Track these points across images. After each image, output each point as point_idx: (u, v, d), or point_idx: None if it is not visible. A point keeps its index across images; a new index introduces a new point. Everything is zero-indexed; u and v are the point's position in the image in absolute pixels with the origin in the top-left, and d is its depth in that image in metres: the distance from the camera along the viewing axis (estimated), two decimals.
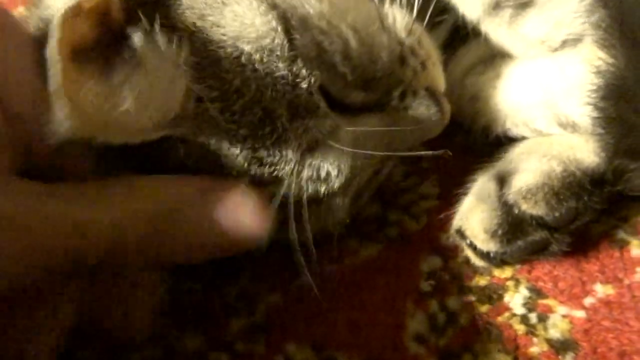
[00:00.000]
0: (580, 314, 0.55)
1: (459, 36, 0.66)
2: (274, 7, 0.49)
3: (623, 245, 0.59)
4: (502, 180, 0.57)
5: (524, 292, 0.57)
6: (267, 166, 0.49)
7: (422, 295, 0.58)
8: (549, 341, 0.54)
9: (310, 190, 0.51)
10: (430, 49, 0.58)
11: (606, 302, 0.55)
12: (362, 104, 0.53)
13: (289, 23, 0.48)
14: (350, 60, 0.50)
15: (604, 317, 0.54)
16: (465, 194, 0.61)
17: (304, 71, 0.48)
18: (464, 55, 0.66)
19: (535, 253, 0.56)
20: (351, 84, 0.51)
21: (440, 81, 0.58)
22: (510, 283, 0.58)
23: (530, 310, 0.56)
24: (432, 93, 0.56)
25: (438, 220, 0.64)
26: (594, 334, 0.53)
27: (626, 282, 0.57)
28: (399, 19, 0.56)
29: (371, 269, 0.60)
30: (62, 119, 0.39)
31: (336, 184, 0.52)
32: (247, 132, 0.48)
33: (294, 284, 0.57)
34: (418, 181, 0.69)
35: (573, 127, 0.59)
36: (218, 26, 0.48)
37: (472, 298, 0.57)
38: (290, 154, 0.49)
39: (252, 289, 0.60)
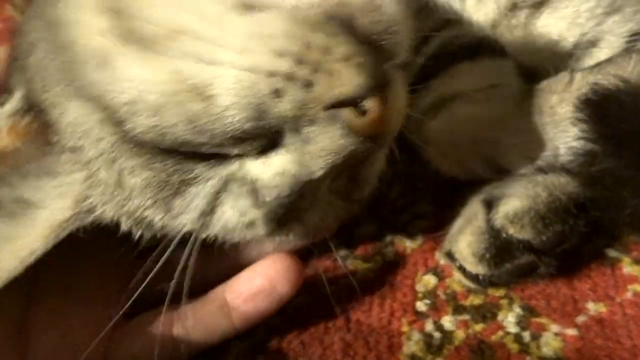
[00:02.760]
0: (572, 332, 0.56)
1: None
2: (98, 106, 0.47)
3: (614, 263, 0.60)
4: (490, 204, 0.58)
5: (517, 310, 0.58)
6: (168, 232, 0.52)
7: (417, 315, 0.59)
8: (541, 359, 0.54)
9: (236, 238, 0.53)
10: (327, 46, 0.44)
11: (598, 320, 0.56)
12: (257, 148, 0.47)
13: (115, 117, 0.46)
14: (202, 129, 0.45)
15: (596, 335, 0.55)
16: (455, 212, 0.62)
17: (149, 160, 0.48)
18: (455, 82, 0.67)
19: (524, 275, 0.57)
20: (223, 145, 0.46)
21: (349, 88, 0.43)
22: (504, 301, 0.59)
23: (523, 328, 0.57)
24: (336, 114, 0.44)
25: (433, 240, 0.66)
26: (586, 352, 0.54)
27: (618, 300, 0.57)
28: (259, 41, 0.44)
29: (367, 289, 0.62)
30: None
31: (259, 231, 0.51)
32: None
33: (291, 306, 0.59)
34: (413, 200, 0.70)
35: None
36: (73, 133, 0.50)
37: (467, 317, 0.58)
38: (183, 221, 0.50)
39: None
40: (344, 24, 0.44)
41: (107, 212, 0.51)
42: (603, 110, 0.54)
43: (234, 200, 0.49)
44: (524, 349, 0.55)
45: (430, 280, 0.62)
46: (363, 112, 0.43)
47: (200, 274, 0.57)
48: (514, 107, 0.61)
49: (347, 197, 0.55)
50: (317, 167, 0.46)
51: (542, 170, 0.58)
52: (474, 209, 0.60)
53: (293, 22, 0.44)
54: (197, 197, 0.49)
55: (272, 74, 0.43)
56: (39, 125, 0.51)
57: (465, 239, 0.58)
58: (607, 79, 0.55)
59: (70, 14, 0.48)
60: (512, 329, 0.57)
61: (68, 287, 0.55)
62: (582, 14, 0.57)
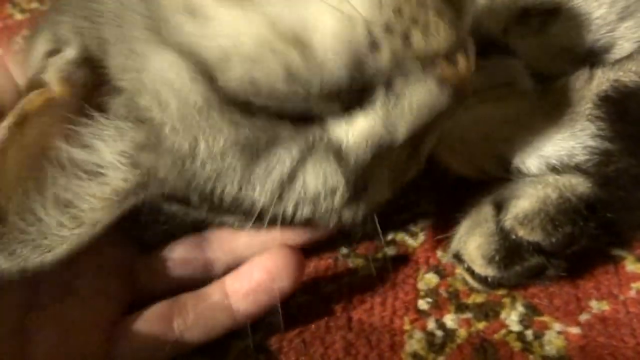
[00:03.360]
0: (575, 330, 0.55)
1: None
2: (184, 54, 0.44)
3: (618, 261, 0.60)
4: (499, 206, 0.58)
5: (520, 308, 0.58)
6: (240, 204, 0.48)
7: (419, 313, 0.59)
8: (544, 358, 0.54)
9: (306, 212, 0.49)
10: (419, 7, 0.44)
11: (601, 319, 0.56)
12: (345, 107, 0.46)
13: (206, 66, 0.43)
14: (299, 81, 0.43)
15: (599, 333, 0.55)
16: (462, 213, 0.62)
17: (237, 116, 0.44)
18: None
19: (532, 277, 0.57)
20: (315, 100, 0.45)
21: (441, 41, 0.44)
22: (506, 300, 0.59)
23: (526, 327, 0.56)
24: (430, 67, 0.44)
25: (435, 238, 0.66)
26: (589, 351, 0.54)
27: (621, 298, 0.57)
28: None
29: (368, 288, 0.61)
30: None
31: (335, 201, 0.49)
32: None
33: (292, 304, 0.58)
34: (415, 198, 0.70)
35: None
36: (147, 91, 0.45)
37: (469, 315, 0.58)
38: (259, 189, 0.47)
39: None
40: None
41: (176, 185, 0.48)
42: (623, 108, 0.53)
43: (319, 164, 0.47)
44: (527, 347, 0.55)
45: (432, 278, 0.62)
46: (454, 66, 0.44)
47: (202, 266, 0.58)
48: (528, 106, 0.60)
49: (400, 175, 0.54)
50: (404, 126, 0.45)
51: (555, 170, 0.58)
52: (483, 210, 0.59)
53: None
54: (281, 160, 0.46)
55: (370, 24, 0.43)
56: (96, 81, 0.47)
57: (474, 241, 0.57)
58: (628, 77, 0.54)
59: None
60: (515, 327, 0.56)
61: (67, 285, 0.54)
62: (594, 21, 0.57)
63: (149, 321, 0.55)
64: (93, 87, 0.47)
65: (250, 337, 0.57)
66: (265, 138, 0.45)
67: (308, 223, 0.51)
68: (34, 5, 1.20)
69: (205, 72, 0.43)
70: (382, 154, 0.47)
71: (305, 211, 0.49)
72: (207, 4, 0.43)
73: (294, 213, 0.49)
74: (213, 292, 0.56)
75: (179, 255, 0.58)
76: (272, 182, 0.47)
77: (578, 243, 0.55)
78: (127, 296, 0.57)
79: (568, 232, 0.54)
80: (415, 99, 0.45)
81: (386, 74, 0.44)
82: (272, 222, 0.50)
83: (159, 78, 0.45)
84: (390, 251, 0.65)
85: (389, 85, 0.45)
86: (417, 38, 0.44)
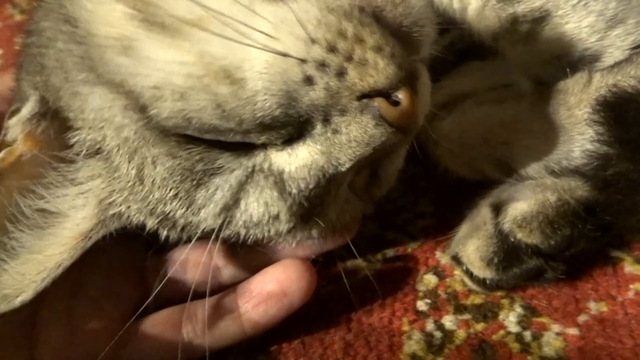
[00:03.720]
0: (574, 331, 0.55)
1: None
2: (119, 92, 0.46)
3: (616, 262, 0.60)
4: (498, 208, 0.58)
5: (518, 310, 0.58)
6: (191, 228, 0.51)
7: (418, 314, 0.59)
8: (543, 359, 0.54)
9: (258, 235, 0.52)
10: (360, 36, 0.44)
11: (600, 320, 0.56)
12: (284, 137, 0.47)
13: (139, 102, 0.45)
14: (230, 114, 0.44)
15: (598, 334, 0.55)
16: (461, 215, 0.62)
17: (173, 147, 0.47)
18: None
19: (531, 280, 0.57)
20: (250, 132, 0.45)
21: (380, 78, 0.43)
22: (505, 301, 0.59)
23: (524, 328, 0.57)
24: (368, 104, 0.44)
25: (434, 239, 0.66)
26: (587, 352, 0.54)
27: (619, 299, 0.57)
28: (289, 28, 0.44)
29: (367, 289, 0.61)
30: None
31: (281, 226, 0.50)
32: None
33: None
34: (414, 199, 0.70)
35: None
36: (92, 128, 0.49)
37: (468, 316, 0.58)
38: (204, 214, 0.49)
39: None
40: (374, 15, 0.45)
41: (131, 214, 0.51)
42: (621, 113, 0.53)
43: (260, 192, 0.48)
44: (525, 348, 0.55)
45: (431, 279, 0.62)
46: (395, 103, 0.44)
47: (212, 276, 0.58)
48: (527, 108, 0.60)
49: (366, 194, 0.55)
50: (346, 158, 0.46)
51: (553, 173, 0.58)
52: (481, 212, 0.59)
53: (326, 10, 0.44)
54: (220, 188, 0.48)
55: (304, 61, 0.43)
56: (56, 128, 0.50)
57: (472, 243, 0.58)
58: (626, 81, 0.54)
59: (89, 6, 0.48)
60: (514, 328, 0.57)
61: (77, 286, 0.55)
62: (583, 29, 0.57)
63: (159, 326, 0.56)
64: (56, 131, 0.50)
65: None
66: (203, 167, 0.47)
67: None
68: (34, 5, 1.20)
69: (138, 106, 0.46)
70: (328, 182, 0.48)
71: (256, 234, 0.51)
72: (141, 42, 0.45)
73: (246, 235, 0.52)
74: (224, 302, 0.57)
75: (188, 259, 0.58)
76: (215, 208, 0.49)
77: (576, 246, 0.55)
78: (137, 298, 0.57)
79: (567, 234, 0.55)
80: (352, 134, 0.45)
81: (322, 109, 0.45)
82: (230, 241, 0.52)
83: (98, 115, 0.48)
84: (389, 252, 0.66)
85: (326, 120, 0.45)
86: (352, 75, 0.43)
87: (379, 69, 0.43)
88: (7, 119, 0.50)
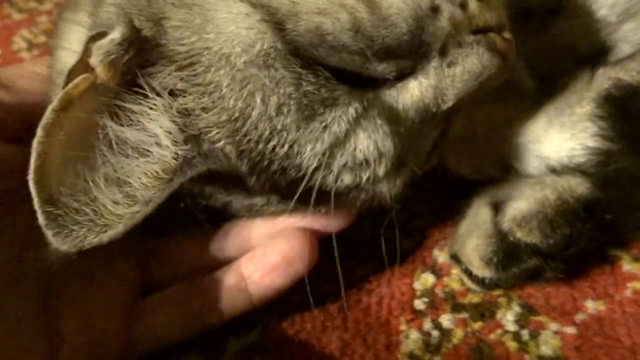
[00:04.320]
0: (571, 330, 0.55)
1: None
2: (254, 5, 0.44)
3: (614, 261, 0.60)
4: (497, 207, 0.58)
5: (515, 308, 0.58)
6: (287, 170, 0.48)
7: (415, 313, 0.59)
8: (540, 358, 0.54)
9: (347, 181, 0.49)
10: None
11: (597, 319, 0.56)
12: (398, 72, 0.47)
13: (276, 16, 0.44)
14: (363, 34, 0.45)
15: (595, 333, 0.55)
16: (459, 213, 0.62)
17: (300, 70, 0.45)
18: None
19: (530, 279, 0.57)
20: (374, 58, 0.46)
21: (492, 16, 0.49)
22: (502, 300, 0.59)
23: (522, 327, 0.56)
24: (482, 37, 0.48)
25: (432, 238, 0.66)
26: (585, 351, 0.54)
27: (617, 297, 0.57)
28: None
29: (365, 288, 0.61)
30: None
31: (380, 169, 0.49)
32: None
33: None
34: (411, 197, 0.70)
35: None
36: (207, 49, 0.45)
37: (465, 315, 0.58)
38: (309, 152, 0.46)
39: None
40: None
41: (227, 151, 0.47)
42: (625, 107, 0.53)
43: (371, 129, 0.47)
44: (523, 347, 0.55)
45: (428, 278, 0.62)
46: (503, 39, 0.49)
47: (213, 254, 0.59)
48: (529, 106, 0.60)
49: (427, 159, 0.55)
50: (452, 94, 0.48)
51: (554, 171, 0.58)
52: (480, 211, 0.59)
53: None
54: (336, 121, 0.46)
55: None
56: (146, 58, 0.46)
57: (471, 242, 0.57)
58: (630, 76, 0.54)
59: None
60: (511, 327, 0.56)
61: (82, 269, 0.54)
62: (595, 22, 0.57)
63: (169, 301, 0.57)
64: (141, 66, 0.46)
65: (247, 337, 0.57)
66: (323, 95, 0.45)
67: (339, 202, 0.51)
68: (32, 4, 1.20)
69: (275, 21, 0.44)
70: (426, 121, 0.49)
71: (346, 180, 0.49)
72: None
73: (335, 181, 0.49)
74: (230, 275, 0.57)
75: (191, 245, 0.59)
76: (323, 144, 0.47)
77: (576, 245, 0.55)
78: (140, 279, 0.58)
79: (566, 234, 0.54)
80: (467, 66, 0.48)
81: (442, 40, 0.47)
82: (307, 196, 0.49)
83: (225, 30, 0.45)
84: (387, 251, 0.65)
85: (443, 52, 0.48)
86: (472, 7, 0.48)
87: (493, 7, 0.49)
88: (88, 42, 0.45)
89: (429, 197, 0.69)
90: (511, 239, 0.55)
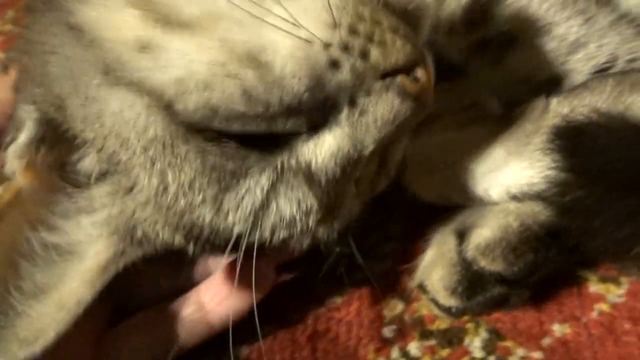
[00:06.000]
0: (538, 355, 0.56)
1: None
2: (140, 92, 0.44)
3: (581, 282, 0.60)
4: (462, 235, 0.58)
5: (483, 334, 0.58)
6: (218, 234, 0.48)
7: (384, 342, 0.59)
8: None
9: (282, 235, 0.49)
10: (376, 18, 0.46)
11: (563, 342, 0.56)
12: (309, 124, 0.46)
13: (163, 100, 0.43)
14: (256, 99, 0.43)
15: (561, 357, 0.55)
16: (427, 240, 0.62)
17: (203, 144, 0.44)
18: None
19: (496, 306, 0.58)
20: (276, 118, 0.45)
21: (399, 56, 0.46)
22: (470, 325, 0.59)
23: (489, 352, 0.57)
24: (390, 82, 0.46)
25: (402, 262, 0.66)
26: None
27: (583, 320, 0.57)
28: (311, 14, 0.45)
29: (334, 316, 0.61)
30: None
31: (310, 222, 0.48)
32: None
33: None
34: (383, 220, 0.70)
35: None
36: (110, 135, 0.45)
37: (433, 342, 0.58)
38: (233, 218, 0.47)
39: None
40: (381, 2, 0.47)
41: (156, 233, 0.48)
42: (576, 142, 0.54)
43: (291, 190, 0.47)
44: None
45: (397, 304, 0.62)
46: (415, 79, 0.46)
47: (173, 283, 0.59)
48: (489, 134, 0.60)
49: (371, 187, 0.54)
50: (370, 140, 0.47)
51: (516, 198, 0.58)
52: (445, 239, 0.60)
53: None
54: (251, 190, 0.46)
55: (329, 45, 0.44)
56: (61, 151, 0.47)
57: (437, 272, 0.58)
58: (580, 111, 0.55)
59: (94, 14, 0.45)
60: (478, 353, 0.57)
61: None
62: (547, 54, 0.57)
63: (136, 328, 0.57)
64: (60, 156, 0.47)
65: None
66: (232, 168, 0.45)
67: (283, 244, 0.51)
68: (8, 27, 1.19)
69: (163, 103, 0.43)
70: (351, 168, 0.48)
71: (282, 234, 0.49)
72: (158, 37, 0.44)
73: (272, 237, 0.49)
74: (190, 302, 0.58)
75: (156, 274, 0.59)
76: (245, 211, 0.46)
77: (540, 271, 0.56)
78: (108, 311, 0.58)
79: (530, 260, 0.55)
80: (379, 113, 0.46)
81: (349, 91, 0.45)
82: (250, 247, 0.49)
83: (118, 119, 0.45)
84: (357, 277, 0.65)
85: (352, 101, 0.46)
86: (375, 54, 0.45)
87: (398, 48, 0.46)
88: (3, 150, 0.46)
89: (400, 219, 0.70)
90: (475, 267, 0.56)
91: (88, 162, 0.47)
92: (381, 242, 0.68)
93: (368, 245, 0.68)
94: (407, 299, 0.62)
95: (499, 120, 0.60)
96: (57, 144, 0.46)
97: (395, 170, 0.57)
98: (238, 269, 0.49)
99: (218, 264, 0.59)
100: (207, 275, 0.59)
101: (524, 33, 0.58)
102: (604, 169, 0.51)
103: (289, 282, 0.66)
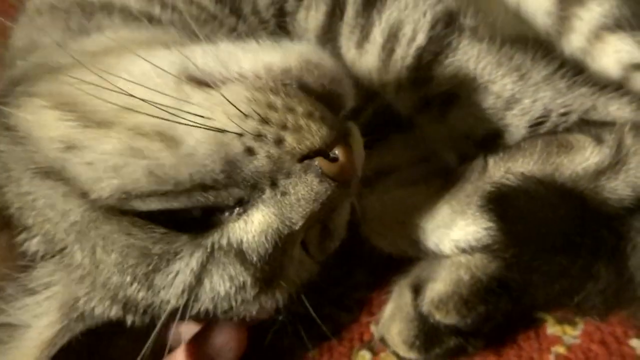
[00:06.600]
0: None
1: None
2: (57, 179, 0.48)
3: (539, 324, 0.62)
4: (417, 289, 0.60)
5: None
6: (155, 308, 0.50)
7: None
8: None
9: (225, 306, 0.51)
10: (289, 106, 0.48)
11: None
12: (235, 200, 0.48)
13: (77, 187, 0.47)
14: (163, 176, 0.45)
15: None
16: (388, 292, 0.65)
17: (128, 226, 0.47)
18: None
19: (454, 356, 0.59)
20: (192, 192, 0.46)
21: (316, 138, 0.47)
22: None
23: None
24: (309, 164, 0.47)
25: (369, 311, 0.68)
26: None
27: None
28: (223, 106, 0.47)
29: None
30: None
31: (248, 294, 0.50)
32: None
33: None
34: (349, 270, 0.72)
35: None
36: (41, 220, 0.49)
37: None
38: (167, 295, 0.49)
39: None
40: (299, 85, 0.49)
41: (95, 307, 0.51)
42: (504, 208, 0.56)
43: (223, 269, 0.49)
44: None
45: (365, 356, 0.64)
46: (333, 159, 0.48)
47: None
48: (435, 193, 0.63)
49: (319, 250, 0.57)
50: (298, 217, 0.48)
51: (465, 251, 0.60)
52: (402, 293, 0.62)
53: (253, 89, 0.48)
54: (181, 272, 0.48)
55: (241, 135, 0.46)
56: (5, 236, 0.51)
57: (395, 327, 0.60)
58: (513, 173, 0.57)
59: (28, 117, 0.50)
60: None
61: None
62: (485, 110, 0.60)
63: None
64: (6, 241, 0.50)
65: None
66: (160, 251, 0.47)
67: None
68: None
69: (78, 190, 0.47)
70: (284, 243, 0.49)
71: (224, 306, 0.51)
72: (78, 135, 0.47)
73: (214, 308, 0.51)
74: None
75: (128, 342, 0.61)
76: (177, 289, 0.49)
77: (493, 321, 0.58)
78: None
79: (482, 311, 0.57)
80: (300, 194, 0.48)
81: (268, 174, 0.47)
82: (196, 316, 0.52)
83: (46, 206, 0.49)
84: (327, 328, 0.67)
85: (273, 183, 0.48)
86: (289, 141, 0.47)
87: (313, 132, 0.47)
88: None
89: (367, 268, 0.72)
90: (431, 320, 0.58)
91: (33, 244, 0.50)
92: (348, 292, 0.70)
93: (335, 294, 0.70)
94: (374, 350, 0.64)
95: (445, 177, 0.62)
96: (2, 229, 0.50)
97: (344, 231, 0.59)
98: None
99: (188, 329, 0.61)
100: (177, 341, 0.61)
101: (464, 91, 0.60)
102: (529, 233, 0.53)
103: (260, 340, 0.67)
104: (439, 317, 0.58)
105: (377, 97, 0.68)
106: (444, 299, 0.58)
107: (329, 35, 0.66)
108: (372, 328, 0.66)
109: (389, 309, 0.63)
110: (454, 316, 0.57)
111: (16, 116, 0.50)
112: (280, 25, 0.68)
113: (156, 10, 0.62)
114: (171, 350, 0.60)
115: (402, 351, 0.60)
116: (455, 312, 0.57)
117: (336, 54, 0.65)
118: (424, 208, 0.62)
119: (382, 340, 0.62)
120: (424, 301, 0.59)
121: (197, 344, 0.59)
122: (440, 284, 0.59)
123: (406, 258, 0.66)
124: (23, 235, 0.50)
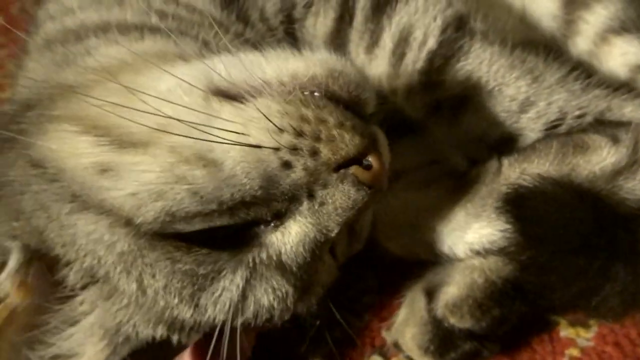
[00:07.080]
0: None
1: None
2: (100, 213, 0.47)
3: (552, 327, 0.62)
4: (431, 293, 0.60)
5: None
6: (202, 325, 0.50)
7: None
8: None
9: (265, 316, 0.51)
10: (321, 117, 0.48)
11: None
12: (272, 213, 0.49)
13: (122, 216, 0.46)
14: (208, 198, 0.46)
15: None
16: (401, 297, 0.64)
17: (172, 250, 0.47)
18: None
19: None
20: (234, 210, 0.47)
21: (350, 147, 0.48)
22: None
23: None
24: (344, 174, 0.48)
25: (380, 316, 0.67)
26: None
27: None
28: (257, 122, 0.47)
29: None
30: None
31: (288, 303, 0.51)
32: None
33: None
34: (360, 275, 0.71)
35: None
36: (86, 253, 0.49)
37: None
38: (213, 312, 0.49)
39: None
40: (326, 94, 0.49)
41: (140, 330, 0.51)
42: (521, 210, 0.56)
43: (266, 282, 0.49)
44: None
45: None
46: (367, 167, 0.49)
47: None
48: (449, 195, 0.62)
49: (346, 251, 0.58)
50: (334, 225, 0.49)
51: (479, 254, 0.60)
52: (416, 297, 0.62)
53: (284, 103, 0.48)
54: (227, 290, 0.49)
55: (277, 149, 0.47)
56: (46, 269, 0.50)
57: (409, 331, 0.60)
58: (528, 174, 0.57)
59: (54, 146, 0.49)
60: None
61: None
62: (499, 113, 0.60)
63: None
64: (49, 274, 0.50)
65: None
66: (205, 272, 0.48)
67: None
68: None
69: (122, 220, 0.46)
70: (320, 250, 0.50)
71: (264, 317, 0.51)
72: (114, 159, 0.46)
73: (255, 320, 0.51)
74: None
75: None
76: (223, 307, 0.49)
77: (508, 324, 0.58)
78: None
79: (496, 315, 0.57)
80: (337, 203, 0.48)
81: (305, 186, 0.48)
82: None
83: (90, 240, 0.48)
84: (338, 334, 0.67)
85: (311, 195, 0.48)
86: (324, 152, 0.48)
87: (346, 142, 0.48)
88: None
89: (376, 274, 0.71)
90: (446, 325, 0.58)
91: (72, 277, 0.50)
92: (359, 296, 0.70)
93: (346, 298, 0.70)
94: (387, 355, 0.64)
95: (458, 179, 0.62)
96: (43, 263, 0.50)
97: (368, 231, 0.60)
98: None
99: None
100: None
101: (476, 95, 0.60)
102: (546, 234, 0.53)
103: (271, 345, 0.67)
104: (453, 321, 0.57)
105: (387, 101, 0.68)
106: (458, 302, 0.57)
107: (337, 41, 0.66)
108: (384, 333, 0.66)
109: (402, 313, 0.62)
110: (468, 320, 0.57)
111: (40, 147, 0.49)
112: (288, 32, 0.67)
113: (153, 20, 0.61)
114: (177, 352, 0.60)
115: (417, 355, 0.59)
116: (469, 315, 0.57)
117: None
118: (437, 211, 0.61)
119: (396, 345, 0.62)
120: (438, 305, 0.59)
121: (203, 347, 0.58)
122: (454, 288, 0.59)
123: (416, 262, 0.66)
124: (65, 271, 0.50)
